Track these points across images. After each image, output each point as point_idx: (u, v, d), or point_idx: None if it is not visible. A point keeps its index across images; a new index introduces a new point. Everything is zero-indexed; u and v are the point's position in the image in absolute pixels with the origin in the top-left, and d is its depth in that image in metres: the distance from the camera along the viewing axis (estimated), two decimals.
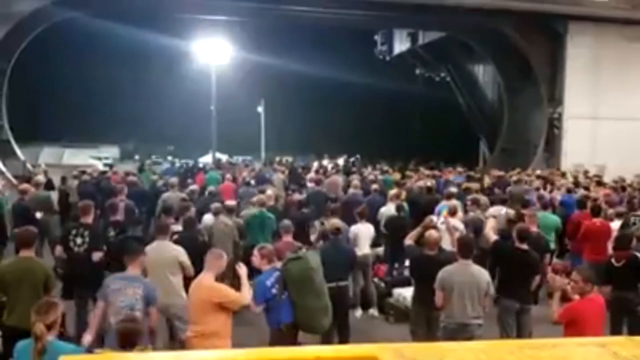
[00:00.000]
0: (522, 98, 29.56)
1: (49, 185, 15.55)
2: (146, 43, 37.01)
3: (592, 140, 26.08)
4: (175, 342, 7.09)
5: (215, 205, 10.58)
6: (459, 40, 32.12)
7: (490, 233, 8.58)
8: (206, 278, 6.09)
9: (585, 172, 20.15)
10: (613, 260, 8.04)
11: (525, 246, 7.70)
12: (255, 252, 6.79)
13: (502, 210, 11.36)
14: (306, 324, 6.89)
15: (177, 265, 7.20)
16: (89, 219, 8.45)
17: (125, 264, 6.23)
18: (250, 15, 29.50)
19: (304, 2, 26.73)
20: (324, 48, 45.11)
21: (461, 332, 6.65)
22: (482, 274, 6.85)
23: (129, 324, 4.69)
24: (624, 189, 15.75)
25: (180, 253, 7.33)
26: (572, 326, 5.55)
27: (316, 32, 40.44)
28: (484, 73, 35.83)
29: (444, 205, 11.50)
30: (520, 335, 7.49)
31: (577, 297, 5.90)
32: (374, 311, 10.06)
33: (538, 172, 20.32)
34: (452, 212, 10.54)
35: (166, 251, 7.31)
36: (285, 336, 6.56)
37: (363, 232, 10.09)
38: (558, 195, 14.19)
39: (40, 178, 14.47)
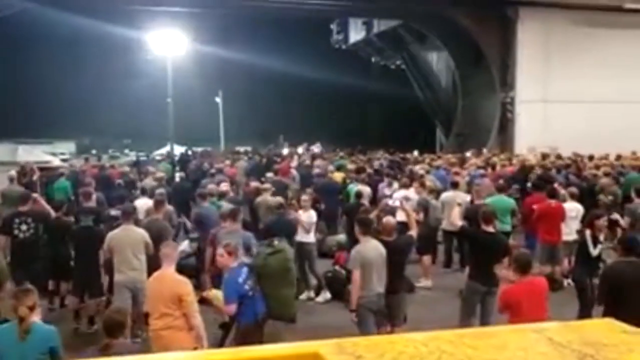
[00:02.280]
0: (475, 84, 30.05)
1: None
2: (99, 36, 36.25)
3: (544, 123, 26.67)
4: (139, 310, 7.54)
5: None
6: (412, 28, 32.39)
7: (457, 220, 8.72)
8: (169, 271, 6.09)
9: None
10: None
11: (491, 229, 7.79)
12: (222, 250, 6.61)
13: (466, 197, 11.68)
14: (279, 313, 7.08)
15: (142, 245, 8.00)
16: (27, 207, 9.07)
17: (226, 221, 8.50)
18: (205, 6, 29.18)
19: None
20: (280, 38, 44.88)
21: (378, 302, 7.03)
22: (380, 246, 7.16)
23: (115, 315, 4.87)
24: (494, 167, 17.12)
25: (144, 235, 8.13)
26: (510, 311, 5.60)
27: (272, 22, 40.24)
28: (437, 60, 36.24)
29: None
30: (484, 316, 7.64)
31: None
32: (309, 294, 10.25)
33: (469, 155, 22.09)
34: (406, 185, 12.40)
35: (132, 233, 8.13)
36: (259, 327, 6.61)
37: (304, 219, 10.22)
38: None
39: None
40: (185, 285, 6.01)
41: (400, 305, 7.54)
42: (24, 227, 8.78)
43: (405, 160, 21.24)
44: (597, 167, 16.16)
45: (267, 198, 11.43)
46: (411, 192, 12.03)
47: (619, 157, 19.45)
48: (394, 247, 7.37)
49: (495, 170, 16.63)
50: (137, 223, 8.95)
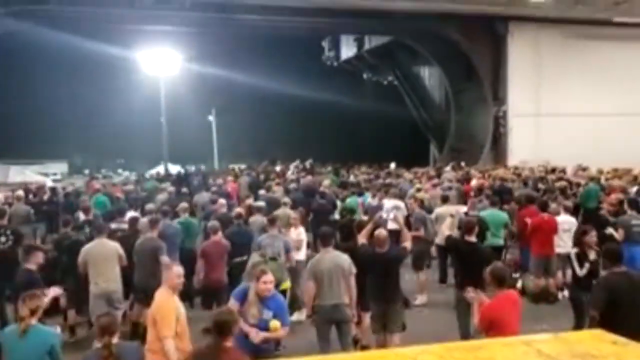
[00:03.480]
0: (468, 98, 30.21)
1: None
2: (92, 55, 36.16)
3: (536, 136, 26.84)
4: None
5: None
6: (404, 44, 32.57)
7: (446, 230, 8.80)
8: (160, 291, 5.90)
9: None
10: None
11: (473, 239, 7.95)
12: (271, 277, 5.96)
13: (461, 209, 11.71)
14: None
15: (116, 257, 8.45)
16: (5, 221, 9.87)
17: (268, 228, 9.27)
18: (197, 26, 29.31)
19: (251, 11, 26.69)
20: (272, 55, 45.01)
21: (336, 312, 7.14)
22: (342, 257, 7.27)
23: (105, 318, 5.17)
24: (469, 181, 17.70)
25: (118, 247, 8.59)
26: (491, 328, 5.47)
27: (263, 40, 40.37)
28: (430, 75, 36.46)
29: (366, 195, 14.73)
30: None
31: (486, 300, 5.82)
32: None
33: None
34: (394, 196, 12.93)
35: (107, 247, 8.56)
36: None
37: (293, 237, 10.07)
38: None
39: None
40: (158, 307, 5.76)
41: (396, 315, 7.54)
42: (3, 239, 9.41)
43: (389, 174, 21.49)
44: (560, 179, 16.75)
45: (287, 211, 11.49)
46: (399, 202, 12.34)
47: (584, 169, 19.80)
48: (387, 258, 7.49)
49: (470, 183, 17.13)
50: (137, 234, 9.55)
